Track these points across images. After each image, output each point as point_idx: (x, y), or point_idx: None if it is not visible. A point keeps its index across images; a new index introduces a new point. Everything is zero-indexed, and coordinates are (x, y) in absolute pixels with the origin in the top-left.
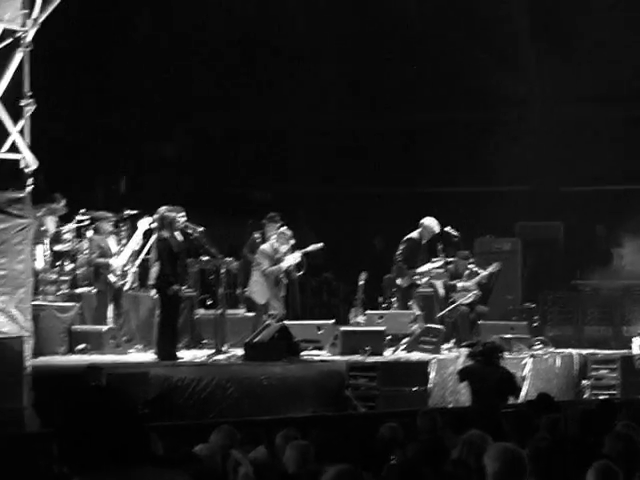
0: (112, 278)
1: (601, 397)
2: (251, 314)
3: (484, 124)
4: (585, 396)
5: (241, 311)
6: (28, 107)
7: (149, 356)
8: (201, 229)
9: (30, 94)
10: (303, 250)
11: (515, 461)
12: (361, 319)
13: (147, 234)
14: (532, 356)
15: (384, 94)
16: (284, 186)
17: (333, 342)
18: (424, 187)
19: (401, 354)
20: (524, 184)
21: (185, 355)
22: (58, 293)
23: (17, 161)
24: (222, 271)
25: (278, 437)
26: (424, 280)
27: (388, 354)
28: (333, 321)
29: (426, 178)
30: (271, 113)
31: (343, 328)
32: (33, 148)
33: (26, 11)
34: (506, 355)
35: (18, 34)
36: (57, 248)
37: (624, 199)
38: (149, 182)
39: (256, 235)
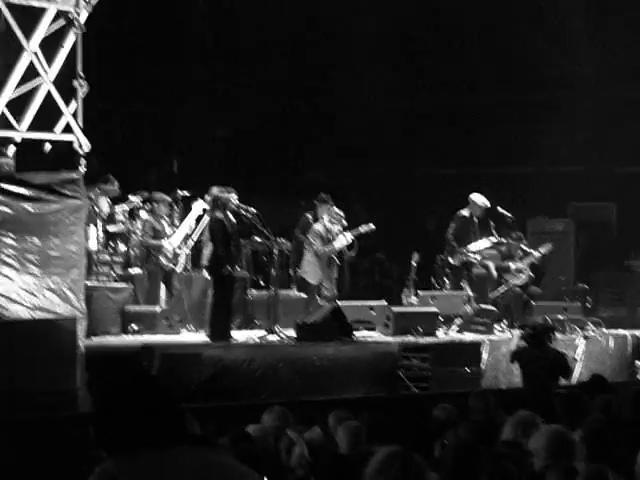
0: (163, 260)
1: None
2: (303, 295)
3: (537, 105)
4: (638, 377)
5: (294, 292)
6: (81, 89)
7: (202, 337)
8: (253, 210)
9: (83, 76)
10: (354, 230)
11: (563, 444)
12: (414, 300)
13: (200, 216)
14: (585, 337)
15: (435, 75)
16: (336, 167)
17: (386, 323)
18: (476, 168)
19: (454, 335)
20: (577, 165)
21: (238, 336)
22: (111, 274)
23: (70, 142)
24: (275, 252)
25: (330, 418)
26: (478, 258)
27: (441, 335)
28: (385, 302)
29: (478, 159)
30: (322, 95)
31: (395, 309)
32: (86, 129)
33: None
34: (559, 336)
35: (70, 15)
36: (110, 229)
37: None
38: (201, 163)
39: (308, 216)
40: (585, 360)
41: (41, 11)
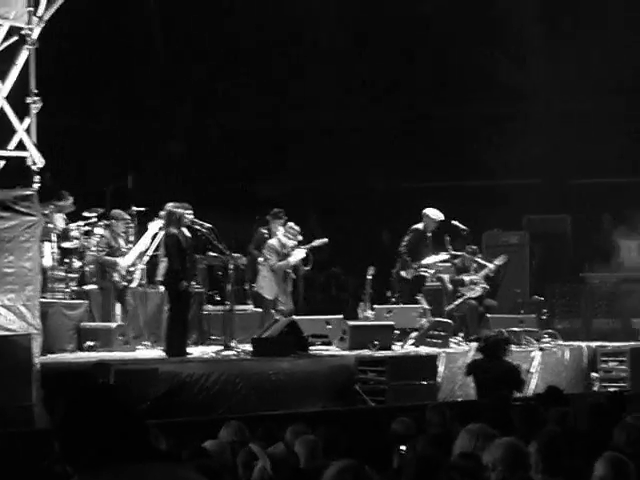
0: (117, 277)
1: (610, 389)
2: (259, 310)
3: (491, 118)
4: (594, 389)
5: (249, 307)
6: (34, 105)
7: (158, 352)
8: (209, 225)
9: (36, 92)
10: (309, 245)
11: (518, 456)
12: (369, 314)
13: (155, 235)
14: (541, 349)
15: (390, 89)
16: (290, 182)
17: (342, 337)
18: (431, 181)
19: (410, 348)
20: (532, 177)
21: (194, 351)
22: (66, 290)
23: (24, 159)
24: (230, 267)
25: (287, 432)
26: (430, 272)
27: (397, 348)
28: (341, 316)
29: (433, 172)
30: (277, 110)
31: (351, 323)
32: (39, 146)
33: (31, 9)
34: (514, 348)
35: (24, 32)
36: (65, 245)
37: (632, 191)
38: (156, 179)
39: (263, 231)
40: (541, 372)
41: None
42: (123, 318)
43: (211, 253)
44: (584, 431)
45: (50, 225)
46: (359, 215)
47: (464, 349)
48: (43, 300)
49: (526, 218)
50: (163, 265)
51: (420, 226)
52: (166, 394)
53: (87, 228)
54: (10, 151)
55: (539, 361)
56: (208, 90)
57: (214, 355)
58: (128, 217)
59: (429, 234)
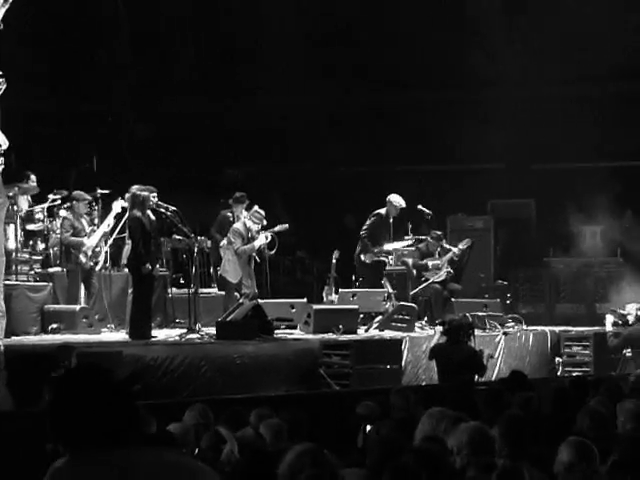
0: (82, 259)
1: (574, 374)
2: (224, 293)
3: (456, 103)
4: (558, 373)
5: (214, 290)
6: (0, 86)
7: (122, 335)
8: (173, 208)
9: (1, 73)
10: (269, 230)
11: (483, 440)
12: (334, 297)
13: (119, 215)
14: (505, 334)
15: (356, 73)
16: (255, 164)
17: (306, 320)
18: (396, 165)
19: (374, 332)
20: (496, 162)
21: (158, 334)
22: (30, 273)
23: None
24: (195, 250)
25: (252, 415)
26: (390, 258)
27: (361, 332)
28: (306, 299)
29: (398, 156)
30: (242, 94)
31: (316, 306)
32: (4, 127)
33: None
34: (479, 332)
35: None
36: (29, 227)
37: (596, 176)
38: (121, 162)
39: (228, 214)
40: (505, 356)
41: None
42: (87, 301)
43: (176, 236)
44: (548, 415)
45: (14, 207)
46: (324, 199)
47: (428, 333)
48: (7, 282)
49: (490, 203)
50: (127, 248)
51: (382, 211)
52: (130, 377)
53: (51, 209)
54: None
55: (503, 346)
56: (174, 73)
57: (178, 338)
58: (89, 198)
59: (391, 220)
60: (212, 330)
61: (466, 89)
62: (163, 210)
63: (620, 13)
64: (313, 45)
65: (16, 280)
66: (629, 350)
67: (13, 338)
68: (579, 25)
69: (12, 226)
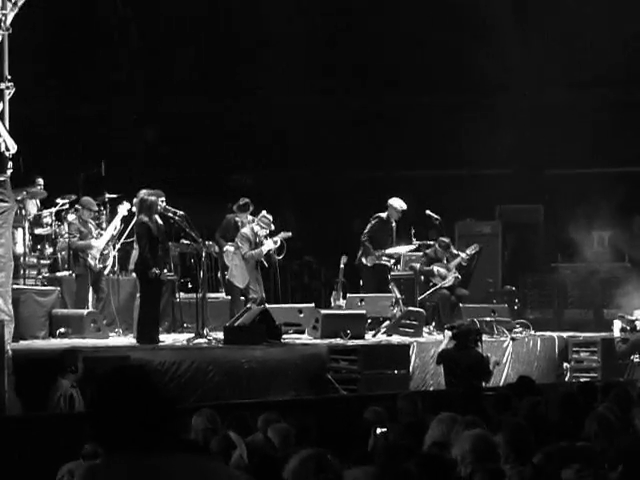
0: (91, 261)
1: (582, 380)
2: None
3: (464, 108)
4: (566, 379)
5: (222, 295)
6: (7, 91)
7: (129, 340)
8: (181, 213)
9: (9, 77)
10: (275, 237)
11: (487, 447)
12: (342, 302)
13: (128, 219)
14: (513, 339)
15: (364, 78)
16: (264, 169)
17: (314, 325)
18: (404, 171)
19: (382, 337)
20: (505, 167)
21: (166, 339)
22: (39, 277)
23: None
24: (203, 255)
25: (259, 420)
26: (392, 262)
27: (369, 337)
28: (314, 304)
29: (406, 162)
30: (251, 98)
31: (324, 311)
32: (12, 132)
33: None
34: (486, 338)
35: None
36: (37, 232)
37: (604, 182)
38: (130, 166)
39: (236, 219)
40: (512, 362)
41: None
42: (96, 305)
43: (184, 241)
44: (555, 421)
45: (22, 211)
46: (332, 204)
47: (436, 338)
48: (15, 287)
49: (499, 208)
50: (135, 253)
51: (383, 215)
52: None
53: (59, 213)
54: None
55: (511, 351)
56: (182, 76)
57: (186, 343)
58: (95, 208)
59: (393, 224)
60: (220, 335)
61: (475, 93)
62: (171, 214)
63: (629, 18)
64: (315, 49)
65: (24, 284)
66: (637, 356)
67: (21, 342)
68: (590, 29)
69: (20, 230)
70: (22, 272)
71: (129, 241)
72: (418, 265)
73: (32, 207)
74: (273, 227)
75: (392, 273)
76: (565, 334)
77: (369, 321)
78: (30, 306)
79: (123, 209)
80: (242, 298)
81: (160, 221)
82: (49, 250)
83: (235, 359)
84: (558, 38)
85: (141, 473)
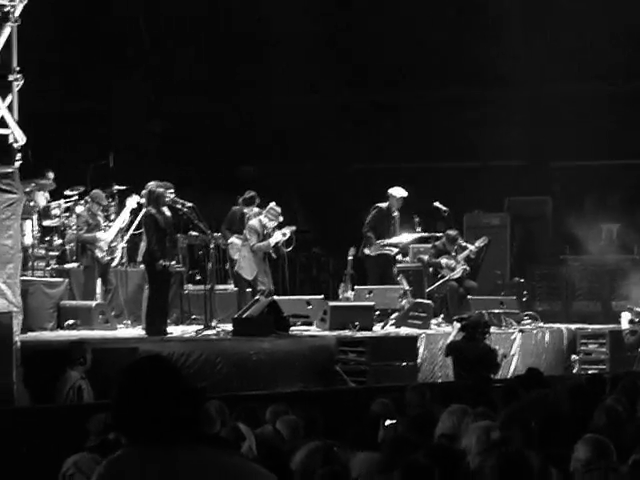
0: (99, 254)
1: (590, 372)
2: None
3: (473, 100)
4: (574, 371)
5: (230, 286)
6: (16, 82)
7: (138, 331)
8: (190, 204)
9: (18, 69)
10: (282, 230)
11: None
12: (350, 294)
13: (136, 211)
14: (521, 331)
15: (371, 71)
16: (271, 161)
17: (322, 317)
18: (412, 162)
19: (390, 329)
20: (513, 159)
21: (174, 330)
22: (47, 268)
23: (5, 136)
24: (211, 246)
25: (268, 412)
26: (395, 251)
27: (377, 329)
28: (322, 296)
29: (414, 153)
30: (260, 91)
31: (332, 303)
32: (21, 123)
33: None
34: (495, 330)
35: (6, 9)
36: (46, 223)
37: (613, 174)
38: (138, 158)
39: (245, 210)
40: (521, 354)
41: None
42: (104, 296)
43: (192, 232)
44: (564, 413)
45: (31, 203)
46: (340, 196)
47: (444, 330)
48: (24, 278)
49: (507, 200)
50: (143, 245)
51: (383, 205)
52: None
53: (68, 205)
54: None
55: (519, 343)
56: (189, 72)
57: (194, 334)
58: (105, 202)
59: (395, 213)
60: (228, 326)
61: (484, 87)
62: (180, 206)
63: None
64: (320, 45)
65: (32, 276)
66: None
67: (29, 334)
68: (597, 24)
69: (29, 222)
70: (30, 263)
71: (137, 233)
72: (426, 257)
73: (41, 199)
74: (281, 219)
75: (400, 265)
76: (573, 326)
77: (377, 313)
78: (38, 298)
79: (132, 202)
80: (249, 290)
81: (168, 213)
82: (57, 242)
83: (243, 351)
84: (568, 29)
85: (163, 465)
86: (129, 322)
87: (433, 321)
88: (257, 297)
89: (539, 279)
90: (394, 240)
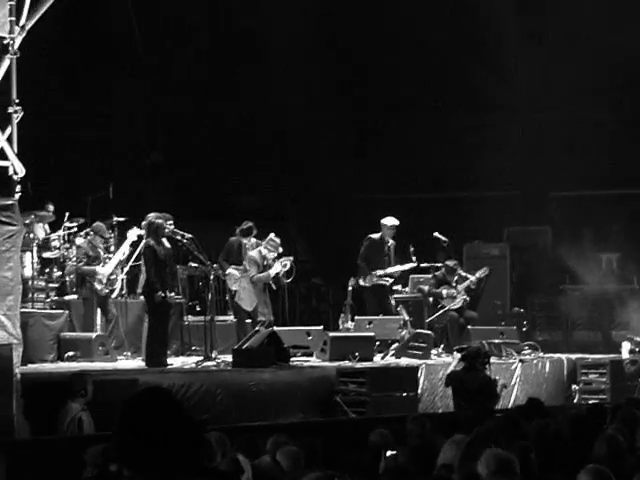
0: (97, 286)
1: (591, 402)
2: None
3: (472, 129)
4: (575, 401)
5: (230, 317)
6: (16, 114)
7: (138, 363)
8: (189, 235)
9: (18, 101)
10: (282, 261)
11: (507, 466)
12: (350, 325)
13: (137, 243)
14: (521, 361)
15: (369, 99)
16: (272, 192)
17: (322, 348)
18: (412, 193)
19: (390, 360)
20: (512, 189)
21: (174, 362)
22: (47, 300)
23: (5, 168)
24: (211, 277)
25: (269, 443)
26: (390, 281)
27: (377, 360)
28: (322, 327)
29: (414, 184)
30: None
31: (332, 334)
32: (20, 155)
33: (13, 18)
34: (495, 360)
35: (5, 41)
36: (46, 255)
37: (612, 203)
38: (138, 189)
39: (244, 241)
40: (521, 384)
41: None
42: (104, 328)
43: (192, 263)
44: (565, 443)
45: (31, 235)
46: (340, 227)
47: (445, 360)
48: (23, 310)
49: (507, 230)
50: (143, 276)
51: (376, 236)
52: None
53: (67, 234)
54: None
55: (519, 373)
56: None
57: (194, 366)
58: (107, 235)
59: (389, 243)
60: (228, 357)
61: (482, 115)
62: (179, 237)
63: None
64: (327, 66)
65: (32, 308)
66: None
67: (30, 366)
68: (595, 50)
69: (28, 254)
70: (30, 295)
71: (137, 264)
72: (426, 287)
73: (40, 231)
74: (281, 250)
75: (399, 295)
76: (574, 356)
77: (377, 343)
78: (38, 329)
79: (133, 234)
80: (249, 321)
81: (168, 244)
82: (57, 273)
83: (243, 382)
84: (568, 57)
85: None
86: (129, 353)
87: (433, 351)
88: (257, 328)
89: (539, 309)
90: (389, 271)
